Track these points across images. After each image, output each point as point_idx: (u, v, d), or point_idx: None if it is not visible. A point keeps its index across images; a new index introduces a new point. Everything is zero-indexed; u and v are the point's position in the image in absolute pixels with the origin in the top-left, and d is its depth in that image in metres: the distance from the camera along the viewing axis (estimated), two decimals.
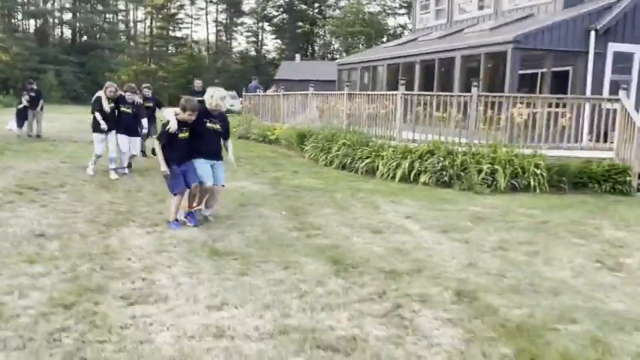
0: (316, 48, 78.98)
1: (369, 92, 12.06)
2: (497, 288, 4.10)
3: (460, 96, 10.07)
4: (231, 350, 2.96)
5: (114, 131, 8.89)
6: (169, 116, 5.72)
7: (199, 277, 4.16)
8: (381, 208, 7.06)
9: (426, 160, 9.20)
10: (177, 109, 5.73)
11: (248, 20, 77.52)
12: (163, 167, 5.66)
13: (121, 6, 67.75)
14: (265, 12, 76.63)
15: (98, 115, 8.67)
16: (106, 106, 8.67)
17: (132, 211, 6.37)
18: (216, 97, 5.85)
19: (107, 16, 63.68)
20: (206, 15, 75.30)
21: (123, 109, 8.95)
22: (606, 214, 7.01)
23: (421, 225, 6.18)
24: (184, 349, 2.95)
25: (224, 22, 76.52)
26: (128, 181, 8.47)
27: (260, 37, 78.77)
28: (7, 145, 12.93)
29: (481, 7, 16.90)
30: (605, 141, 10.08)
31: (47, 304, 3.48)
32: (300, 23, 76.35)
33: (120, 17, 69.02)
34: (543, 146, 9.47)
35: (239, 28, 77.84)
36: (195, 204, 5.92)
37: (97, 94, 9.04)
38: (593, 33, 12.53)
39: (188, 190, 5.77)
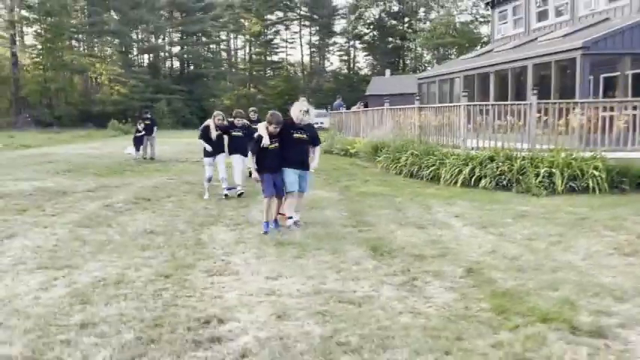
0: (407, 61, 79.29)
1: (435, 105, 12.84)
2: (505, 267, 4.87)
3: (520, 104, 10.56)
4: (277, 302, 4.08)
5: (222, 155, 9.62)
6: (262, 131, 6.58)
7: (264, 259, 5.34)
8: (433, 209, 7.90)
9: (486, 166, 9.83)
10: (267, 123, 6.60)
11: (340, 40, 79.84)
12: (255, 174, 6.67)
13: (223, 36, 73.17)
14: (356, 31, 78.53)
15: (202, 142, 9.62)
16: (213, 134, 9.35)
17: (221, 215, 7.78)
18: (298, 113, 6.62)
19: (210, 46, 69.00)
20: (300, 38, 78.68)
21: (235, 133, 9.60)
22: None
23: (464, 222, 6.96)
24: (243, 301, 4.12)
25: (317, 43, 79.60)
26: (221, 192, 9.97)
27: (352, 55, 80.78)
28: (127, 166, 15.25)
29: (558, 14, 16.97)
30: None
31: (153, 275, 4.83)
32: (390, 39, 77.43)
33: (222, 47, 74.39)
34: (606, 149, 9.72)
35: (331, 48, 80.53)
36: (280, 211, 6.82)
37: (205, 123, 9.77)
38: None
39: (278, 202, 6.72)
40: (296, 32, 78.04)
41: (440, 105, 12.69)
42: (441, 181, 10.39)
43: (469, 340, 3.32)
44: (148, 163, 16.27)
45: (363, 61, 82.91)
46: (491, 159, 9.91)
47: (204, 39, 65.31)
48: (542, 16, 17.64)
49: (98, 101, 50.89)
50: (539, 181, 9.15)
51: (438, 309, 3.87)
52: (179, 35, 63.54)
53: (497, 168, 9.68)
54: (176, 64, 66.02)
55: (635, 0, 13.82)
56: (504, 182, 9.55)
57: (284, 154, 6.59)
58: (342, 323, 3.63)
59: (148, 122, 17.34)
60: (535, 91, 10.33)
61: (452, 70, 19.05)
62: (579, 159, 9.34)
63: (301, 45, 79.86)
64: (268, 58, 77.99)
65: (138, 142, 17.15)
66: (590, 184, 8.98)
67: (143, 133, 17.09)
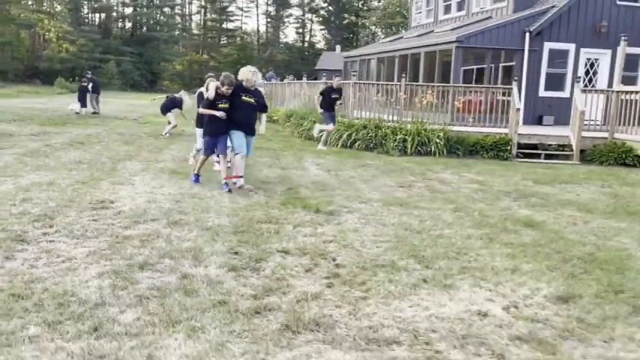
0: (361, 38, 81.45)
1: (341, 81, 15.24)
2: (314, 188, 7.40)
3: (391, 84, 13.16)
4: (151, 197, 6.43)
5: None
6: (212, 92, 7.01)
7: (157, 179, 7.68)
8: (304, 160, 10.40)
9: (359, 132, 12.41)
10: (219, 84, 6.99)
11: (296, 12, 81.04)
12: (218, 113, 6.86)
13: (177, 0, 73.13)
14: (313, 4, 79.99)
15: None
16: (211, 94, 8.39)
17: (138, 155, 10.02)
18: (247, 73, 6.98)
19: (164, 9, 68.99)
20: (256, 8, 79.43)
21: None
22: (458, 167, 10.06)
23: (318, 168, 9.48)
24: (130, 195, 6.46)
25: (272, 14, 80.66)
26: (147, 141, 12.16)
27: (307, 28, 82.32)
28: (69, 119, 17.11)
29: (459, 9, 19.65)
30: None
31: (74, 182, 7.08)
32: (345, 15, 79.39)
33: (176, 11, 74.34)
34: (452, 123, 12.47)
35: (287, 19, 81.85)
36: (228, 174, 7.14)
37: (199, 91, 9.15)
38: (527, 34, 15.21)
39: (226, 162, 7.16)
40: (252, 1, 78.78)
41: (342, 81, 15.12)
42: (328, 143, 12.91)
43: (252, 212, 5.81)
44: (88, 117, 18.13)
45: (319, 35, 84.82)
46: (365, 127, 12.49)
47: (157, 1, 65.26)
48: (447, 9, 20.30)
49: (46, 58, 50.79)
50: (395, 145, 11.80)
51: (249, 203, 6.35)
52: None
53: (368, 134, 12.28)
54: (127, 25, 65.86)
55: (511, 3, 16.60)
56: (371, 145, 12.16)
57: (233, 117, 6.90)
58: (185, 204, 6.06)
59: (87, 81, 19.24)
60: (403, 75, 12.93)
61: (370, 52, 21.54)
62: (428, 130, 12.03)
63: (257, 15, 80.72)
64: (223, 26, 78.60)
65: (82, 97, 18.99)
66: (433, 149, 11.70)
67: (86, 85, 19.03)
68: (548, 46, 15.57)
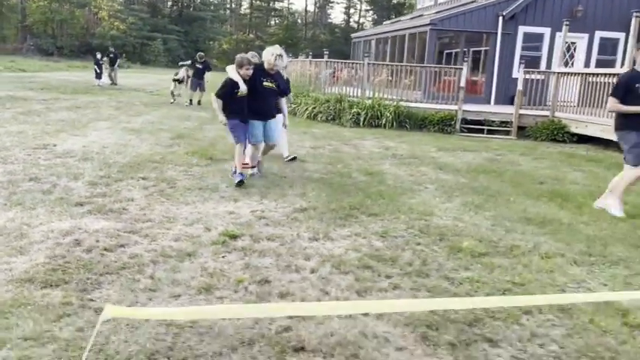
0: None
1: (316, 60, 16.60)
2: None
3: (357, 63, 14.41)
4: (89, 144, 8.17)
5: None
6: (235, 76, 6.03)
7: (111, 135, 9.43)
8: None
9: (322, 105, 13.80)
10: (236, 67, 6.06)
11: None
12: (221, 117, 6.18)
13: None
14: None
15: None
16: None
17: (115, 118, 11.86)
18: (269, 56, 6.18)
19: None
20: None
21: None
22: (390, 137, 11.31)
23: None
24: (74, 143, 8.22)
25: None
26: (137, 108, 14.03)
27: (358, 8, 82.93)
28: (90, 89, 19.37)
29: None
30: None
31: (39, 132, 8.93)
32: None
33: None
34: (406, 99, 13.63)
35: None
36: (247, 161, 6.52)
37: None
38: (500, 18, 15.99)
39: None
40: None
41: (317, 60, 16.47)
42: (297, 114, 14.38)
43: (153, 157, 7.43)
44: (107, 89, 20.34)
45: (369, 15, 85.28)
46: (327, 101, 13.85)
47: None
48: None
49: (98, 35, 54.25)
50: (350, 118, 13.12)
51: (159, 151, 7.96)
52: None
53: (329, 108, 13.65)
54: (176, 4, 68.69)
55: None
56: (330, 117, 13.53)
57: (250, 104, 6.19)
58: (108, 150, 7.75)
59: (111, 56, 21.40)
60: (367, 55, 14.15)
61: (372, 33, 22.65)
62: (382, 104, 13.26)
63: None
64: (271, 5, 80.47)
65: (99, 74, 21.38)
66: (384, 122, 12.95)
67: (101, 62, 21.37)
68: (522, 29, 16.26)
